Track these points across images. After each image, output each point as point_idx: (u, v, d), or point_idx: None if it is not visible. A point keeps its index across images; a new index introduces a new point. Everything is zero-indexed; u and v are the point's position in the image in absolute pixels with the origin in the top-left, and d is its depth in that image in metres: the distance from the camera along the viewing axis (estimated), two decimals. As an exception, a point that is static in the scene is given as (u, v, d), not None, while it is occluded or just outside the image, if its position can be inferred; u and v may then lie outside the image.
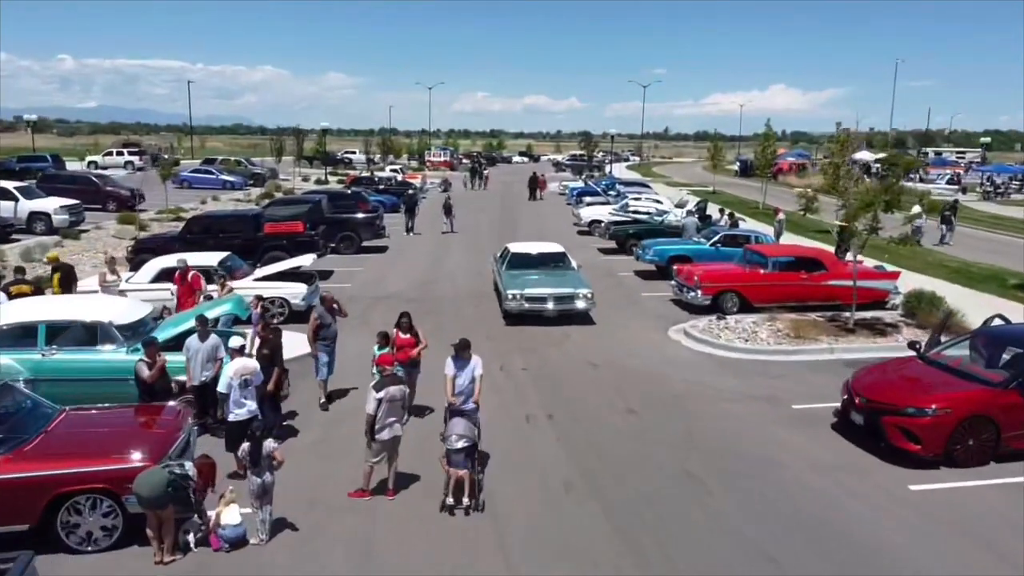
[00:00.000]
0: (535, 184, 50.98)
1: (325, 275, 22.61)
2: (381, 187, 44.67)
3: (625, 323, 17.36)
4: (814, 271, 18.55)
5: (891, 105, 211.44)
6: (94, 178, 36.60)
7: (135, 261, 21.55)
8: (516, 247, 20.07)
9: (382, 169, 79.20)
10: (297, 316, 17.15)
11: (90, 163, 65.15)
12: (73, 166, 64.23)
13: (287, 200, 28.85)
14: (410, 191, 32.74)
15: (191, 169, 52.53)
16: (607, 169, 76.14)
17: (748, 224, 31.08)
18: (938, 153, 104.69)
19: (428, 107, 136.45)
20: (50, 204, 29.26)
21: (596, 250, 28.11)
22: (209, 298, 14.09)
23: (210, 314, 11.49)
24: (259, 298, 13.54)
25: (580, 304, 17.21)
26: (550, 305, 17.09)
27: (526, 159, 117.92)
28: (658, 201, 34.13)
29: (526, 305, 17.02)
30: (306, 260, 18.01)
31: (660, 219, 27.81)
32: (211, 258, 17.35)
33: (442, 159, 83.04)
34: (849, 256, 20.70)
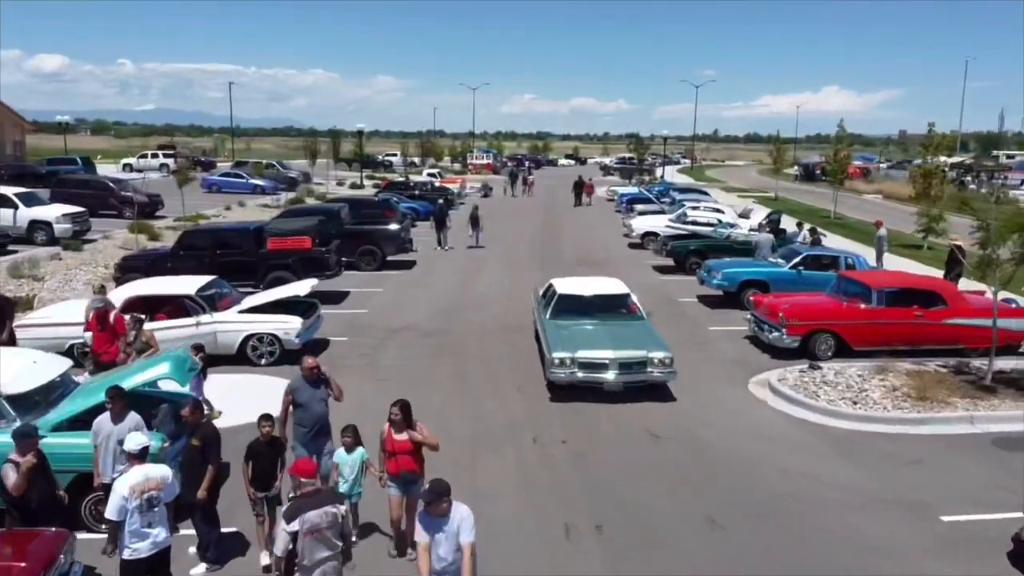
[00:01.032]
0: (580, 189, 47.56)
1: (338, 298, 19.58)
2: (416, 192, 41.79)
3: (693, 371, 13.77)
4: (931, 306, 14.80)
5: (960, 106, 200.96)
6: (109, 183, 34.29)
7: (121, 281, 18.81)
8: (564, 286, 14.81)
9: (420, 173, 76.84)
10: (291, 356, 14.09)
11: (125, 165, 63.73)
12: (108, 169, 63.02)
13: (301, 210, 25.94)
14: (440, 201, 29.48)
15: (221, 173, 50.29)
16: (658, 173, 72.18)
17: (831, 239, 27.03)
18: (1010, 156, 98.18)
19: (472, 108, 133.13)
20: (52, 212, 26.83)
21: (650, 268, 24.56)
22: (144, 351, 10.86)
23: (131, 382, 8.38)
24: (198, 348, 10.49)
25: (655, 373, 12.43)
26: (611, 375, 12.33)
27: (572, 162, 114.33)
28: (719, 210, 30.39)
29: (580, 374, 12.35)
30: (302, 287, 14.87)
31: (725, 233, 24.14)
32: (187, 284, 14.36)
33: (484, 162, 79.91)
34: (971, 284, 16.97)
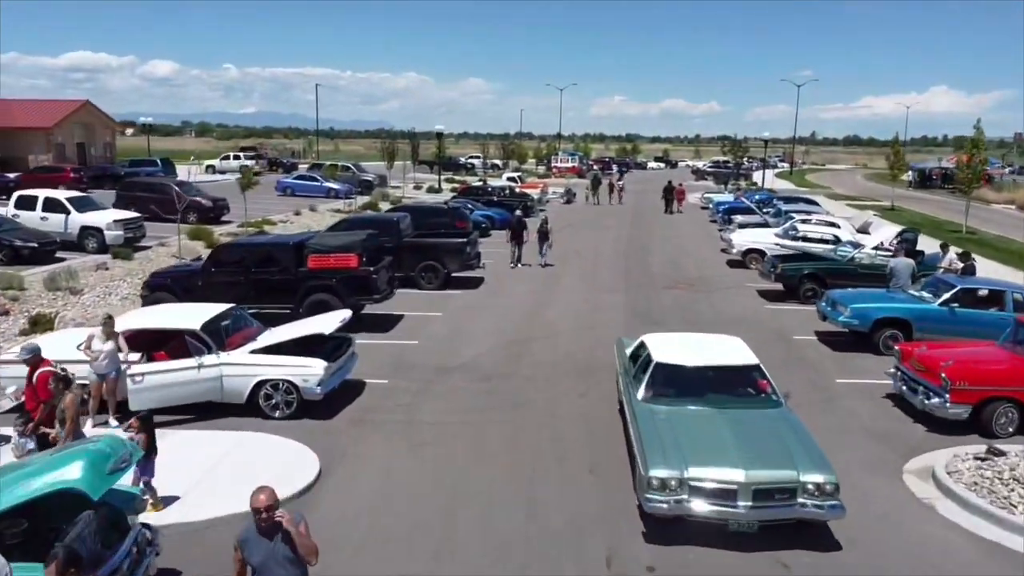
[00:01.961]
0: (671, 195, 43.92)
1: (389, 324, 16.95)
2: (495, 198, 39.12)
3: (823, 446, 10.30)
4: None
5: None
6: (173, 186, 32.91)
7: (149, 300, 16.71)
8: (663, 349, 10.37)
9: (501, 176, 74.15)
10: (311, 408, 11.46)
11: (208, 167, 63.66)
12: (193, 171, 63.04)
13: (360, 220, 23.45)
14: (517, 212, 26.36)
15: (295, 175, 48.96)
16: (757, 178, 67.34)
17: (982, 263, 22.40)
18: None
19: (560, 109, 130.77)
20: (104, 218, 25.32)
21: (754, 293, 21.00)
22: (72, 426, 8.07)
23: (9, 497, 5.74)
24: (141, 421, 7.92)
25: (809, 506, 8.05)
26: (742, 506, 8.01)
27: (662, 165, 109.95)
28: (834, 224, 26.44)
29: (693, 504, 8.06)
30: (328, 323, 12.16)
31: (848, 254, 20.29)
32: (193, 316, 11.88)
33: (569, 165, 76.76)
34: None
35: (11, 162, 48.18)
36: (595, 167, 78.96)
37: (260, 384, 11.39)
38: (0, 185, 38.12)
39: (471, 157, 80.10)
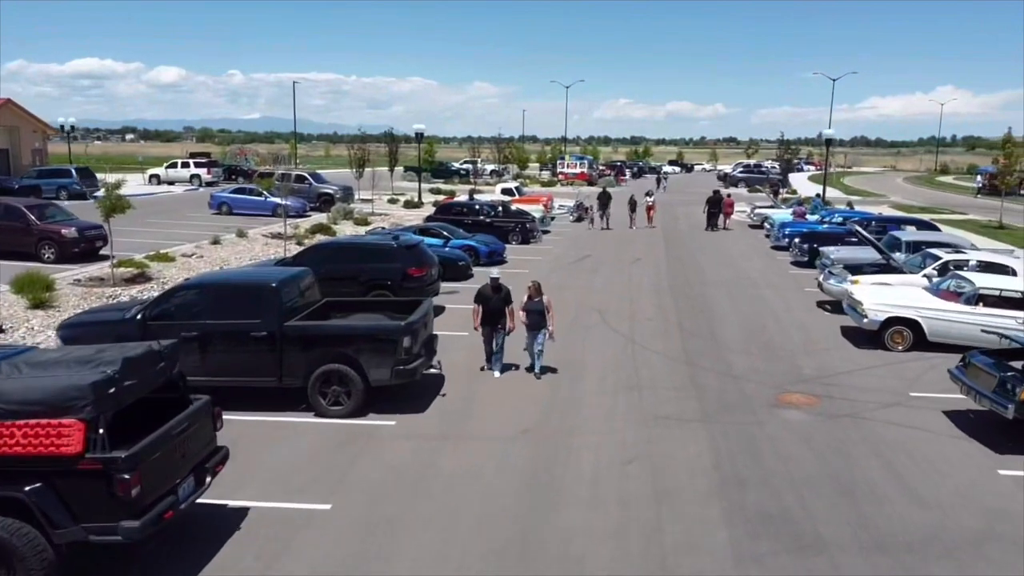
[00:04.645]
0: (718, 208, 34.14)
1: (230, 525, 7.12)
2: (483, 217, 29.30)
3: None
4: None
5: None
6: (26, 210, 23.18)
7: None
8: None
9: (500, 178, 63.81)
10: None
11: (152, 176, 53.98)
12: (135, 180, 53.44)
13: (203, 284, 13.23)
14: (494, 273, 13.41)
15: (232, 189, 39.17)
16: (812, 188, 57.22)
17: None
18: None
19: (565, 108, 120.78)
20: None
21: (941, 416, 11.15)
22: None
23: None
24: None
25: None
26: None
27: (678, 169, 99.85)
28: (1007, 269, 16.60)
29: None
30: None
31: None
32: None
33: (577, 170, 66.82)
34: None
35: None
36: (608, 173, 68.98)
37: None
38: None
39: (466, 161, 70.17)
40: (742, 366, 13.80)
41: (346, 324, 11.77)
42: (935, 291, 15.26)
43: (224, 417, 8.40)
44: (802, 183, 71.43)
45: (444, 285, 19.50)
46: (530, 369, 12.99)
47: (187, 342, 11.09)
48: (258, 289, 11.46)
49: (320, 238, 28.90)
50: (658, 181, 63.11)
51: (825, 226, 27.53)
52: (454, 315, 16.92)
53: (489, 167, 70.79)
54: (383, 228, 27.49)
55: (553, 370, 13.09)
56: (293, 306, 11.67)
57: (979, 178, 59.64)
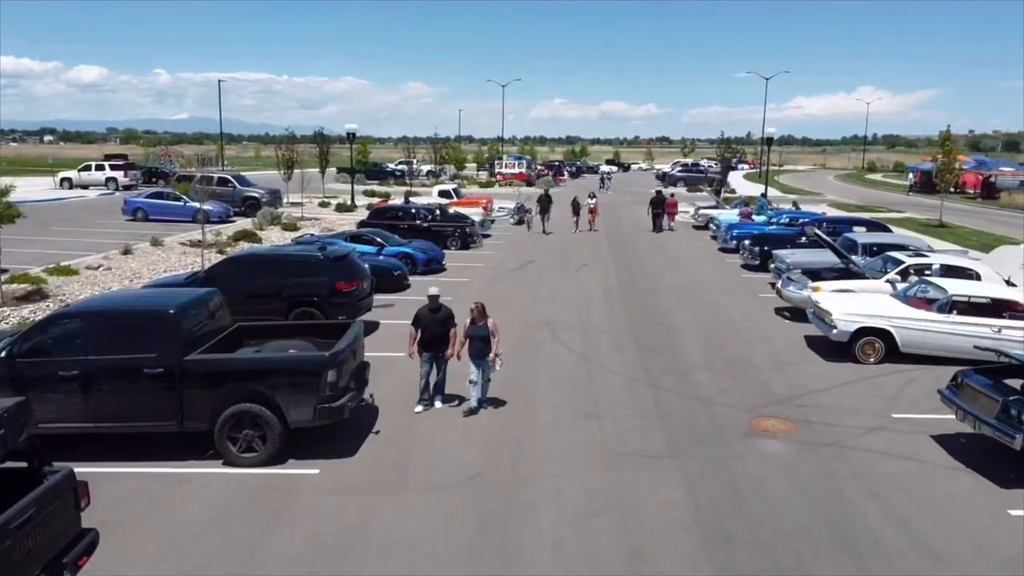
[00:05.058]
0: (661, 208, 33.28)
1: None
2: (419, 222, 27.67)
3: None
4: None
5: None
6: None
7: None
8: None
9: (437, 179, 61.84)
10: None
11: (63, 180, 50.48)
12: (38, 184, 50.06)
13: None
14: (433, 290, 11.55)
15: (148, 193, 36.51)
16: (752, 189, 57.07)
17: None
18: None
19: (502, 108, 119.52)
20: None
21: (935, 448, 10.13)
22: None
23: None
24: None
25: None
26: None
27: (615, 168, 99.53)
28: (970, 273, 15.88)
29: None
30: None
31: None
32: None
33: (516, 170, 65.50)
34: None
35: None
36: (546, 173, 67.85)
37: None
38: None
39: (402, 162, 68.09)
40: (708, 386, 12.58)
41: (259, 356, 10.04)
42: (903, 298, 14.35)
43: (113, 470, 6.70)
44: (738, 182, 71.61)
45: (378, 298, 17.87)
46: (474, 403, 11.26)
47: (66, 383, 9.30)
48: (153, 316, 9.67)
49: (244, 245, 26.87)
50: (602, 181, 62.19)
51: (773, 227, 26.81)
52: (389, 332, 15.30)
53: (425, 168, 68.93)
54: (311, 235, 25.61)
55: (501, 402, 11.56)
56: (197, 335, 9.92)
57: (911, 176, 60.61)
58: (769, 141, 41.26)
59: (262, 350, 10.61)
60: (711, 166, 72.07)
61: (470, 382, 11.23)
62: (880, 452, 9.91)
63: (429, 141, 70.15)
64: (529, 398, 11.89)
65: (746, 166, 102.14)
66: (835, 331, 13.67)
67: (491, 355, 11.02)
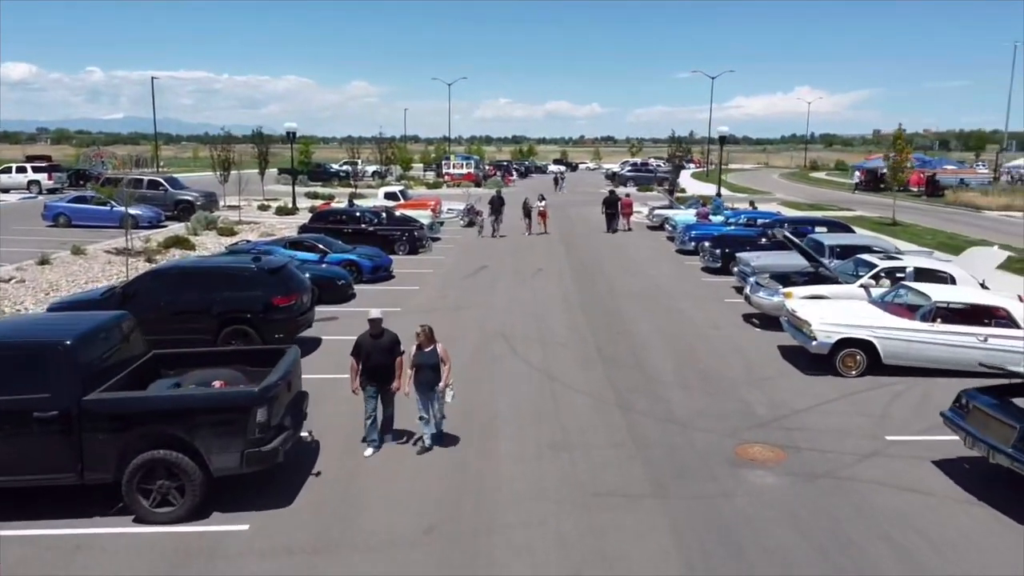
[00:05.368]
0: (615, 208, 32.42)
1: None
2: (365, 226, 26.23)
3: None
4: None
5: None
6: None
7: None
8: None
9: (383, 179, 59.96)
10: None
11: (-23, 183, 47.24)
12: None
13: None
14: (374, 313, 9.86)
15: (71, 197, 34.15)
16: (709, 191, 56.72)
17: None
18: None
19: (448, 107, 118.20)
20: None
21: (951, 488, 9.24)
22: None
23: None
24: None
25: None
26: None
27: (563, 167, 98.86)
28: (943, 276, 15.23)
29: None
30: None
31: None
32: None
33: (464, 171, 64.14)
34: None
35: None
36: (494, 173, 66.55)
37: None
38: None
39: (346, 163, 66.05)
40: (683, 407, 11.54)
41: (174, 395, 8.57)
42: (883, 305, 13.57)
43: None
44: (687, 181, 71.54)
45: (321, 310, 16.47)
46: (428, 441, 9.85)
47: (-62, 430, 7.74)
48: (44, 350, 8.14)
49: (176, 253, 25.09)
50: (555, 181, 61.10)
51: (732, 228, 26.11)
52: (333, 350, 13.89)
53: (371, 168, 67.12)
54: (247, 241, 23.92)
55: (455, 439, 10.20)
56: (101, 368, 8.44)
57: (857, 174, 61.15)
58: (722, 140, 40.83)
59: (182, 382, 9.19)
60: (660, 165, 71.86)
61: (420, 419, 9.89)
62: (880, 483, 8.97)
63: (374, 141, 68.36)
64: (489, 427, 10.66)
65: (693, 165, 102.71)
66: (815, 343, 12.77)
67: (441, 384, 9.60)
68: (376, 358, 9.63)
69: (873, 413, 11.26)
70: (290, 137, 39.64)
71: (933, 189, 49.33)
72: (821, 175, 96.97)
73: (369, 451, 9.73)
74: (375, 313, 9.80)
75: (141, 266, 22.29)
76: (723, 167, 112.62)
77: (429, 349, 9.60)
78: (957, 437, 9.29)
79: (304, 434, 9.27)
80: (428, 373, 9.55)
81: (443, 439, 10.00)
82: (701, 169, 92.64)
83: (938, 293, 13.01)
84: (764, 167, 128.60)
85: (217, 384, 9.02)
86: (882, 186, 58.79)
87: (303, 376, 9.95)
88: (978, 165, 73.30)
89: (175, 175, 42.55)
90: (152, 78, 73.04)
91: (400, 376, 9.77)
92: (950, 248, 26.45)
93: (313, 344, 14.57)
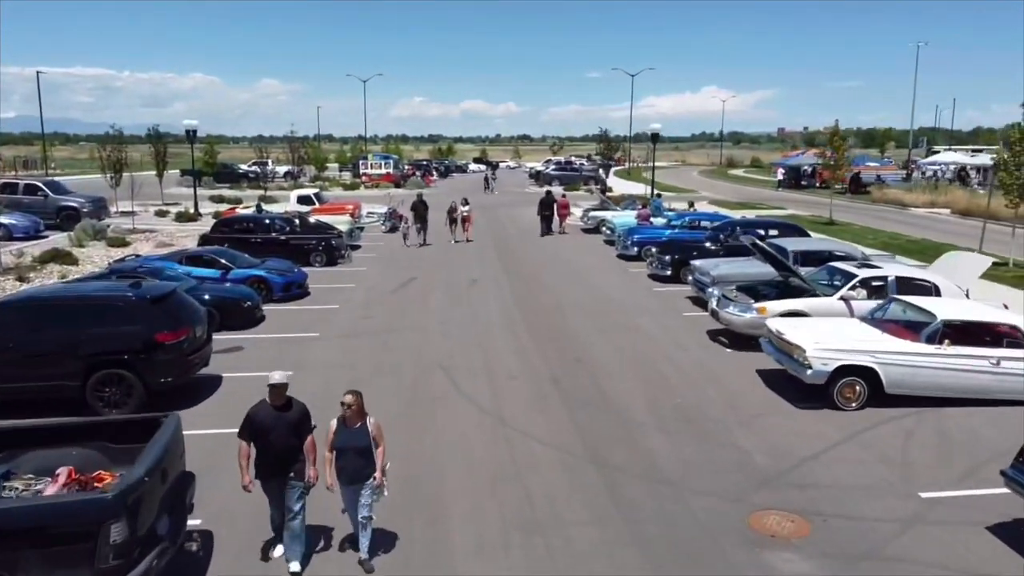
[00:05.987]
0: (550, 210, 30.55)
1: None
2: (276, 235, 23.45)
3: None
4: None
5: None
6: None
7: None
8: None
9: (296, 180, 56.34)
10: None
11: None
12: None
13: None
14: (276, 377, 6.97)
15: (-71, 205, 29.96)
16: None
17: None
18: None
19: (364, 104, 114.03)
20: None
21: (1019, 567, 7.52)
22: None
23: None
24: None
25: None
26: None
27: (484, 167, 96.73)
28: (927, 287, 13.81)
29: None
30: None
31: None
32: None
33: (382, 171, 61.15)
34: None
35: None
36: (414, 173, 63.74)
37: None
38: None
39: (255, 163, 62.06)
40: (669, 458, 9.53)
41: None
42: (879, 324, 11.93)
43: None
44: (611, 180, 70.55)
45: (223, 338, 13.87)
46: (354, 546, 7.27)
47: None
48: None
49: (55, 269, 21.80)
50: (486, 181, 58.54)
51: (676, 231, 24.49)
52: (236, 391, 11.31)
53: (282, 169, 63.42)
54: (136, 256, 20.79)
55: (393, 534, 7.76)
56: None
57: (780, 172, 61.21)
58: (655, 137, 39.36)
59: (12, 473, 6.59)
60: (584, 164, 70.56)
61: (343, 511, 7.41)
62: (938, 565, 7.16)
63: (286, 140, 64.62)
64: (436, 503, 8.38)
65: (614, 163, 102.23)
66: (810, 371, 10.98)
67: (376, 475, 6.97)
68: (279, 440, 6.86)
69: (892, 459, 9.52)
70: (190, 136, 36.04)
71: (856, 187, 49.44)
72: (739, 172, 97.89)
73: (284, 558, 7.16)
74: (278, 377, 6.93)
75: (10, 287, 19.05)
76: (644, 165, 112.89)
77: (358, 425, 6.96)
78: (1007, 491, 7.62)
79: (190, 542, 6.76)
80: (355, 459, 6.92)
81: (372, 553, 7.19)
82: (623, 167, 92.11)
83: (943, 310, 11.41)
84: (682, 164, 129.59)
85: (60, 477, 6.47)
86: (803, 184, 58.99)
87: (194, 431, 7.42)
88: (885, 162, 75.01)
89: (60, 178, 38.41)
90: (38, 73, 67.28)
91: (314, 464, 7.08)
92: (895, 248, 25.56)
93: (211, 385, 11.98)
